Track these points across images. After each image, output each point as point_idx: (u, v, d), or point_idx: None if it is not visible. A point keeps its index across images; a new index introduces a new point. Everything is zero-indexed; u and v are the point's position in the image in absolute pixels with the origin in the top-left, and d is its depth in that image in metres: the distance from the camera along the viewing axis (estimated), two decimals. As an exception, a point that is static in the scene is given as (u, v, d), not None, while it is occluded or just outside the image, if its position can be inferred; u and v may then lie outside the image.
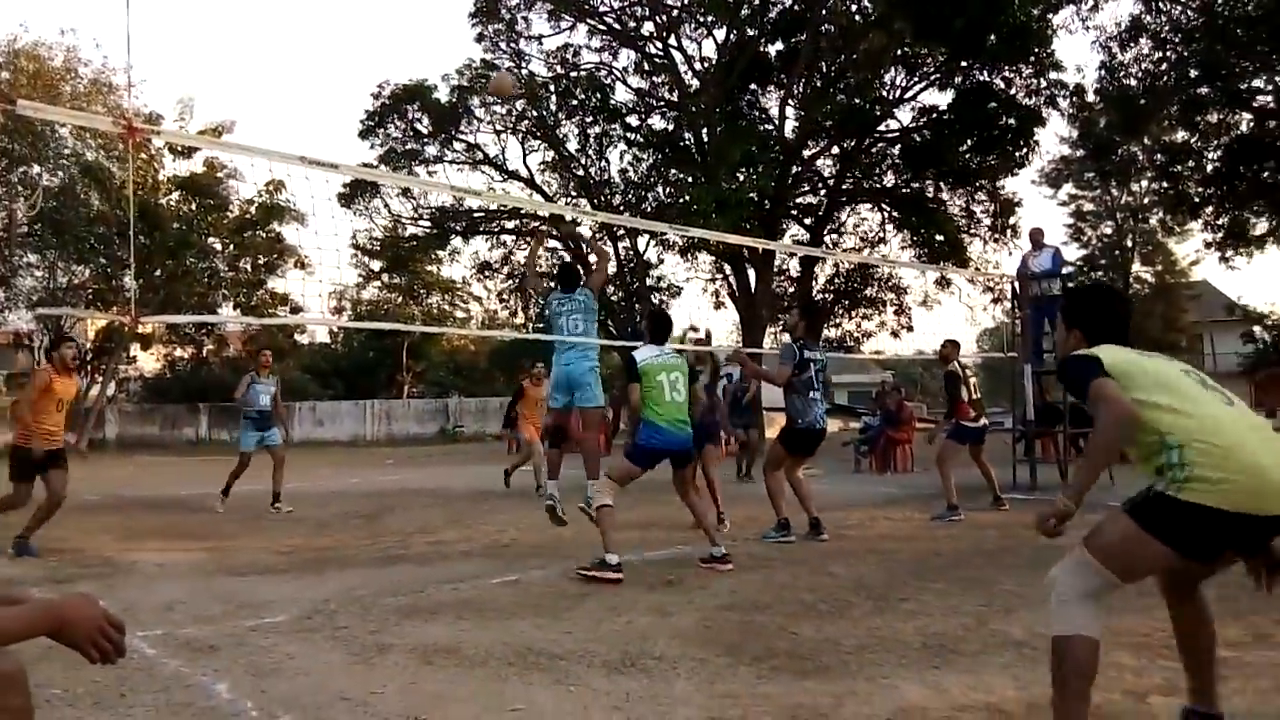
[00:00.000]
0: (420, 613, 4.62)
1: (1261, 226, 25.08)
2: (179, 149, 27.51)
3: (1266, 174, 23.80)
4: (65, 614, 1.61)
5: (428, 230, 28.68)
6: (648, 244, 28.06)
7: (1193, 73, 21.88)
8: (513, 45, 26.37)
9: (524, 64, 26.54)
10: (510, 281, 30.13)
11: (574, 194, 27.99)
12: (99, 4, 24.86)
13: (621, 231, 26.89)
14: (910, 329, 27.27)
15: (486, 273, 30.30)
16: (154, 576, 5.90)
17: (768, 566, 5.76)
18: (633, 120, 26.52)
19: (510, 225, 28.66)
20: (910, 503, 9.39)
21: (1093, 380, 2.52)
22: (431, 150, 27.45)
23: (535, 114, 26.61)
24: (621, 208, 26.10)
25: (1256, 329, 28.24)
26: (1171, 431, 2.41)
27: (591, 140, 26.83)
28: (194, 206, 29.08)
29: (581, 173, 27.61)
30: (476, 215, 28.10)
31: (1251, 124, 23.38)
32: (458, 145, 27.68)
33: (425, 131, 27.09)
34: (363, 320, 35.77)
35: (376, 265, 31.99)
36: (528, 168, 28.33)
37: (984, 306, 26.67)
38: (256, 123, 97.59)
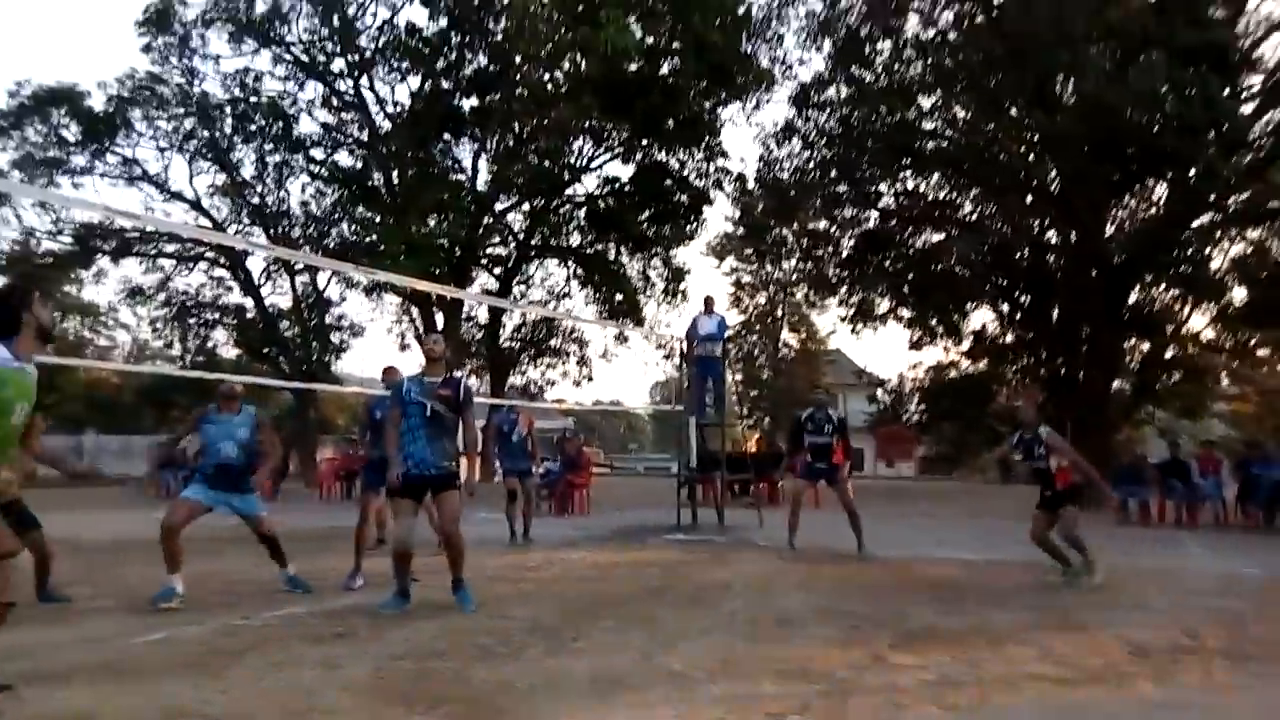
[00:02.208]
0: (50, 679, 4.07)
1: (883, 306, 29.32)
2: None
3: (887, 262, 27.96)
4: None
5: (68, 248, 25.47)
6: (329, 281, 26.96)
7: (833, 172, 25.33)
8: (185, 61, 24.47)
9: (196, 81, 24.68)
10: (166, 309, 27.48)
11: (247, 222, 26.27)
12: None
13: (300, 266, 25.60)
14: (591, 379, 29.23)
15: (138, 298, 27.42)
16: None
17: (446, 614, 5.72)
18: (317, 154, 25.53)
19: (170, 249, 26.23)
20: (586, 544, 9.73)
21: None
22: (79, 160, 24.61)
23: (206, 134, 24.73)
24: (301, 241, 24.90)
25: (878, 391, 32.77)
26: None
27: (270, 168, 25.40)
28: None
29: (257, 200, 25.98)
30: (130, 235, 25.36)
31: (877, 220, 27.46)
32: (111, 158, 25.00)
33: (73, 140, 24.25)
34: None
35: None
36: (194, 189, 26.22)
37: (656, 362, 29.22)
38: None
